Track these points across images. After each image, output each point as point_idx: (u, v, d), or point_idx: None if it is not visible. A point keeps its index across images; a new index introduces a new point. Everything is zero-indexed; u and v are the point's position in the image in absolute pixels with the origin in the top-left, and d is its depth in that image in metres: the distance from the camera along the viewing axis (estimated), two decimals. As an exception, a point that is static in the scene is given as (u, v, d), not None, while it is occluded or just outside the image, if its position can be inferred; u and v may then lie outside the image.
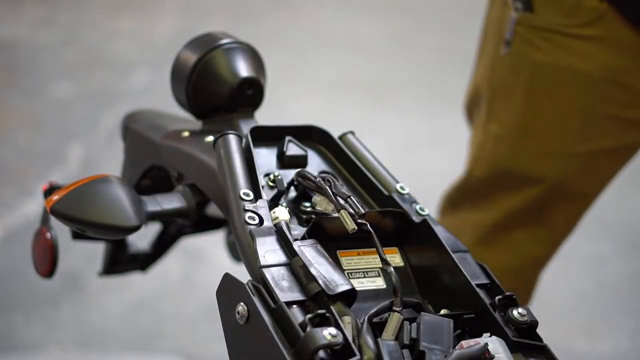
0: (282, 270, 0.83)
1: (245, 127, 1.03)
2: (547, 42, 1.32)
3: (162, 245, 1.30)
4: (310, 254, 0.84)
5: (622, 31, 1.27)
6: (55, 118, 3.12)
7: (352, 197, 0.89)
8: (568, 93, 1.33)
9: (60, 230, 1.10)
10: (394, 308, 0.83)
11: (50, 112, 3.16)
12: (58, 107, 3.19)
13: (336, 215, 0.92)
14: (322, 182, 0.91)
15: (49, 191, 1.09)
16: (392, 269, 0.85)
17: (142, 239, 1.28)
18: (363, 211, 0.89)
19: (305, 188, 0.93)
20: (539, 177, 1.38)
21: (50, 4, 3.89)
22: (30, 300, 2.32)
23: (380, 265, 0.91)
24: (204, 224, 1.20)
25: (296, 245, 0.84)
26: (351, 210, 0.88)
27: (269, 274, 0.82)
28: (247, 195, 0.90)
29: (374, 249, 0.90)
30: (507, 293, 0.88)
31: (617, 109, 1.33)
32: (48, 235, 1.10)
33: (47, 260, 1.10)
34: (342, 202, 0.89)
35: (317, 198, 0.92)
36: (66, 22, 3.77)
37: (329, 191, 0.90)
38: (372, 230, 0.87)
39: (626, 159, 1.41)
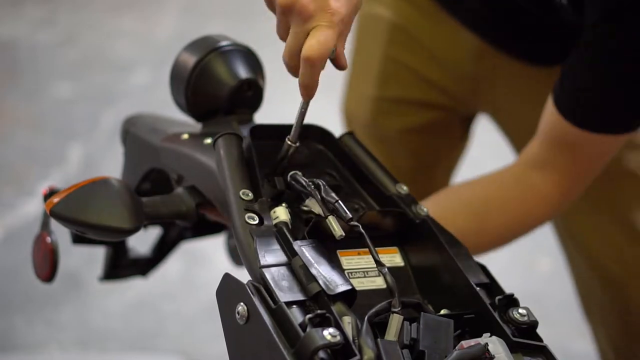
0: (282, 270, 0.83)
1: (245, 129, 1.03)
2: None
3: (162, 250, 1.30)
4: (310, 253, 0.84)
5: None
6: (55, 118, 3.13)
7: (339, 202, 0.89)
8: (374, 38, 1.43)
9: (61, 234, 1.10)
10: (393, 309, 0.83)
11: (50, 112, 3.16)
12: (58, 107, 3.20)
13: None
14: (312, 186, 0.91)
15: (49, 195, 1.09)
16: (386, 270, 0.85)
17: (142, 244, 1.28)
18: (350, 216, 0.89)
19: (297, 191, 0.93)
20: (356, 117, 1.50)
21: (50, 4, 3.89)
22: (30, 300, 2.32)
23: (381, 265, 0.91)
24: (204, 229, 1.20)
25: (296, 245, 0.84)
26: (344, 214, 0.88)
27: (269, 274, 0.82)
28: (247, 195, 0.90)
29: (375, 249, 0.90)
30: (507, 293, 0.88)
31: (413, 62, 1.40)
32: (48, 239, 1.10)
33: (47, 264, 1.10)
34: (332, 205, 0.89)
35: (309, 201, 0.92)
36: (66, 22, 3.77)
37: (318, 196, 0.90)
38: (364, 232, 0.87)
39: (436, 117, 1.44)
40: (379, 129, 1.45)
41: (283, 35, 0.93)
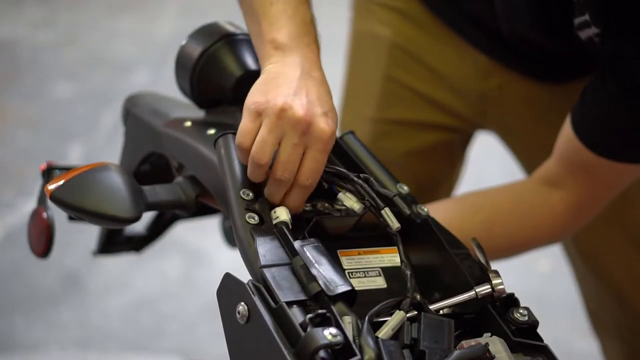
0: (283, 270, 0.83)
1: None
2: (364, 9, 1.39)
3: (157, 229, 1.30)
4: (311, 253, 0.83)
5: (415, 5, 1.32)
6: (55, 118, 3.12)
7: (397, 196, 0.90)
8: (374, 58, 1.38)
9: (58, 212, 1.09)
10: (401, 308, 0.83)
11: (50, 112, 3.15)
12: (58, 107, 3.19)
13: (337, 214, 0.92)
14: (362, 182, 0.91)
15: (47, 171, 1.09)
16: (409, 272, 0.86)
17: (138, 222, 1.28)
18: (409, 211, 0.90)
19: (330, 184, 0.93)
20: None
21: (50, 4, 3.89)
22: (30, 300, 2.32)
23: (381, 265, 0.91)
24: (201, 210, 1.20)
25: (297, 245, 0.84)
26: (404, 210, 0.90)
27: (269, 273, 0.82)
28: (247, 194, 0.90)
29: (375, 249, 0.90)
30: (508, 293, 0.88)
31: (415, 82, 1.36)
32: (44, 215, 1.10)
33: (43, 240, 1.10)
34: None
35: (343, 195, 0.92)
36: (66, 22, 3.77)
37: (371, 191, 0.90)
38: (397, 233, 0.88)
39: (439, 139, 1.41)
40: (380, 152, 1.41)
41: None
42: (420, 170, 1.41)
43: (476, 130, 1.44)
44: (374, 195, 0.90)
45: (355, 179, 0.92)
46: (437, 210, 1.05)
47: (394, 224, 0.89)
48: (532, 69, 1.27)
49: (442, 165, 1.45)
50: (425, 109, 1.37)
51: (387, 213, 0.89)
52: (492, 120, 1.37)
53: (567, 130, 1.10)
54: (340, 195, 0.92)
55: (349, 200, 0.92)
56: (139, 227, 1.28)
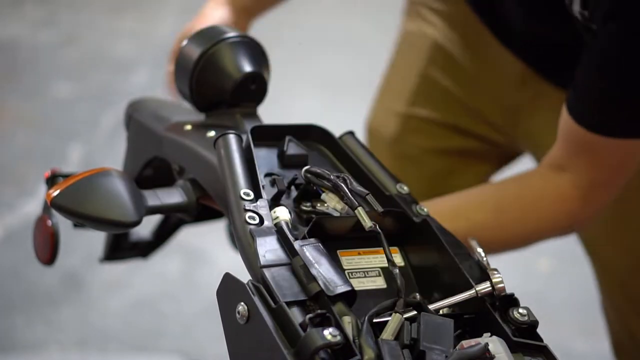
0: (283, 270, 0.83)
1: (248, 123, 1.03)
2: (414, 12, 1.44)
3: (163, 234, 1.30)
4: (310, 253, 0.83)
5: (461, 7, 1.34)
6: (55, 118, 3.13)
7: (370, 194, 0.89)
8: (414, 55, 1.41)
9: (63, 219, 1.10)
10: (397, 309, 0.83)
11: (50, 112, 3.16)
12: (58, 107, 3.19)
13: (337, 214, 0.92)
14: (338, 180, 0.90)
15: (51, 179, 1.09)
16: (397, 270, 0.85)
17: (143, 227, 1.28)
18: (382, 209, 0.89)
19: (315, 185, 0.93)
20: (380, 133, 1.47)
21: (50, 4, 3.89)
22: (30, 300, 2.32)
23: (381, 265, 0.91)
24: (206, 214, 1.20)
25: (297, 245, 0.84)
26: (376, 207, 0.89)
27: (269, 273, 0.82)
28: (248, 195, 0.90)
29: (375, 249, 0.90)
30: (508, 293, 0.88)
31: (448, 83, 1.38)
32: (49, 222, 1.10)
33: (48, 247, 1.10)
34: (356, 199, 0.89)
35: (326, 196, 0.92)
36: (66, 22, 3.77)
37: (346, 189, 0.89)
38: (380, 231, 0.87)
39: (465, 145, 1.42)
40: (403, 146, 1.42)
41: None
42: (439, 172, 1.42)
43: (510, 145, 1.44)
44: (349, 194, 0.89)
45: (332, 177, 0.91)
46: (443, 203, 1.05)
47: (367, 222, 0.88)
48: (568, 79, 1.28)
49: (462, 172, 1.45)
50: (456, 111, 1.39)
51: (360, 212, 0.88)
52: (523, 133, 1.38)
53: (564, 112, 1.10)
54: (324, 196, 0.92)
55: (332, 201, 0.91)
56: (145, 232, 1.29)
